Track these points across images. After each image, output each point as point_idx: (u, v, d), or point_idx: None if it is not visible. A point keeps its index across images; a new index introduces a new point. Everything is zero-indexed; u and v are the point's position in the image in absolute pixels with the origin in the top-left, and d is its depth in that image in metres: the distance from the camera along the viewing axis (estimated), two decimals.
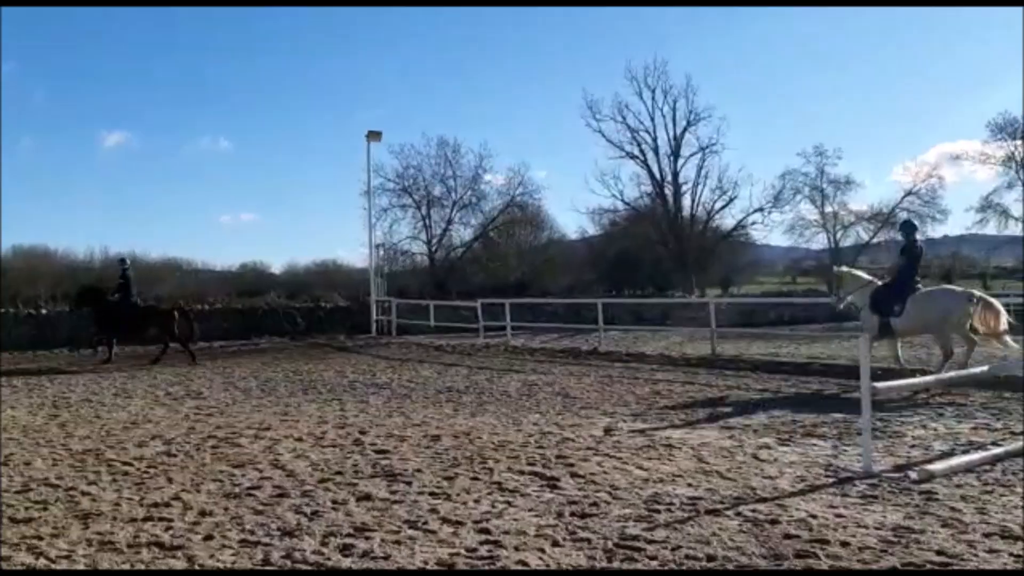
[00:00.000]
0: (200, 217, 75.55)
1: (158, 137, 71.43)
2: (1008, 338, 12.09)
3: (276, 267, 57.01)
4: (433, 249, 42.84)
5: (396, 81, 75.24)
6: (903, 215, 43.65)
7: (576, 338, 22.48)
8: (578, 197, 56.39)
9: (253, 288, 50.52)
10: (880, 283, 13.09)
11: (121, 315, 18.46)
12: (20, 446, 8.76)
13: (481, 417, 10.27)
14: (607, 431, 9.15)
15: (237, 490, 6.70)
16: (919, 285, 12.71)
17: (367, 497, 6.40)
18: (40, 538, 5.45)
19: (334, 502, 6.27)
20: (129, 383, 14.71)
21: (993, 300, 12.55)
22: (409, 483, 6.84)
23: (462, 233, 44.19)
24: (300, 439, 8.95)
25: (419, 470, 7.31)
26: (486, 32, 76.44)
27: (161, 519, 5.86)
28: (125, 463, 7.81)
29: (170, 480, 7.11)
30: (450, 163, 43.42)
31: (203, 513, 6.00)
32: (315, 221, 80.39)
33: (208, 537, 5.42)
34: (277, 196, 76.91)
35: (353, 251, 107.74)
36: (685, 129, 45.99)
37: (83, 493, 6.67)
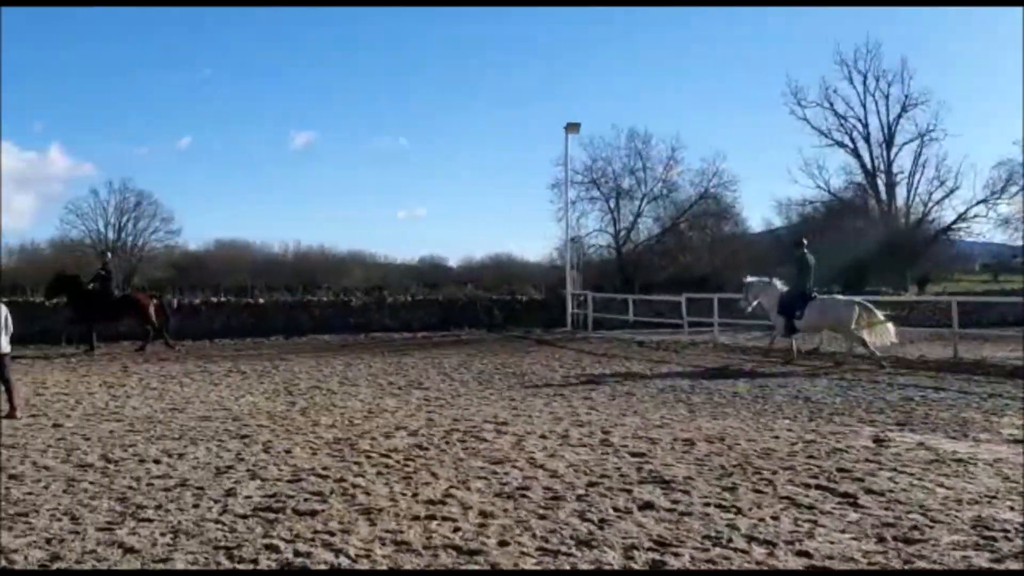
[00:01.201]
0: (379, 212, 78.64)
1: (341, 136, 74.95)
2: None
3: (452, 260, 58.38)
4: (620, 242, 42.21)
5: (577, 74, 74.99)
6: None
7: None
8: (764, 188, 54.06)
9: (431, 280, 51.93)
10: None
11: (99, 304, 19.12)
12: (274, 434, 8.93)
13: (724, 420, 9.64)
14: (877, 441, 8.31)
15: (507, 490, 6.43)
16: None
17: (649, 506, 5.95)
18: (331, 533, 5.34)
19: (615, 509, 5.87)
20: (349, 371, 15.05)
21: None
22: (686, 492, 6.34)
23: (649, 226, 43.35)
24: (544, 436, 8.65)
25: (690, 478, 6.80)
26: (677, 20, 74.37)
27: (444, 519, 5.64)
28: (382, 455, 7.75)
29: (435, 475, 6.94)
30: (640, 155, 42.63)
31: (484, 514, 5.74)
32: (487, 215, 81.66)
33: (503, 543, 5.12)
34: (449, 191, 78.68)
35: (525, 244, 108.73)
36: (900, 115, 43.05)
37: (354, 486, 6.59)
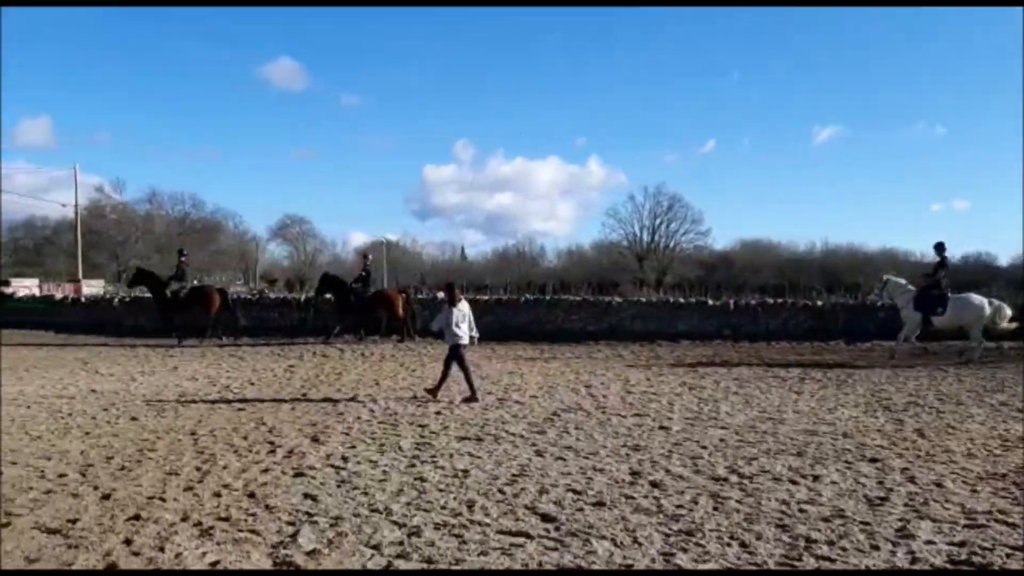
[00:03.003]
0: (910, 206, 71.91)
1: (870, 127, 70.10)
2: None
3: (1003, 259, 50.80)
4: None
5: None
6: None
7: None
8: None
9: (974, 280, 45.76)
10: None
11: (357, 301, 21.52)
12: (904, 459, 7.87)
13: None
14: None
15: None
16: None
17: None
18: None
19: None
20: (941, 385, 13.23)
21: None
22: None
23: None
24: None
25: None
26: None
27: None
28: None
29: None
30: None
31: None
32: None
33: None
34: (999, 181, 68.67)
35: None
36: None
37: None
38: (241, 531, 5.53)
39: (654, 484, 6.96)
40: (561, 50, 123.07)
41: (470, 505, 6.24)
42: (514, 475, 7.19)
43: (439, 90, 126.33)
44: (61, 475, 7.05)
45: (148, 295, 23.45)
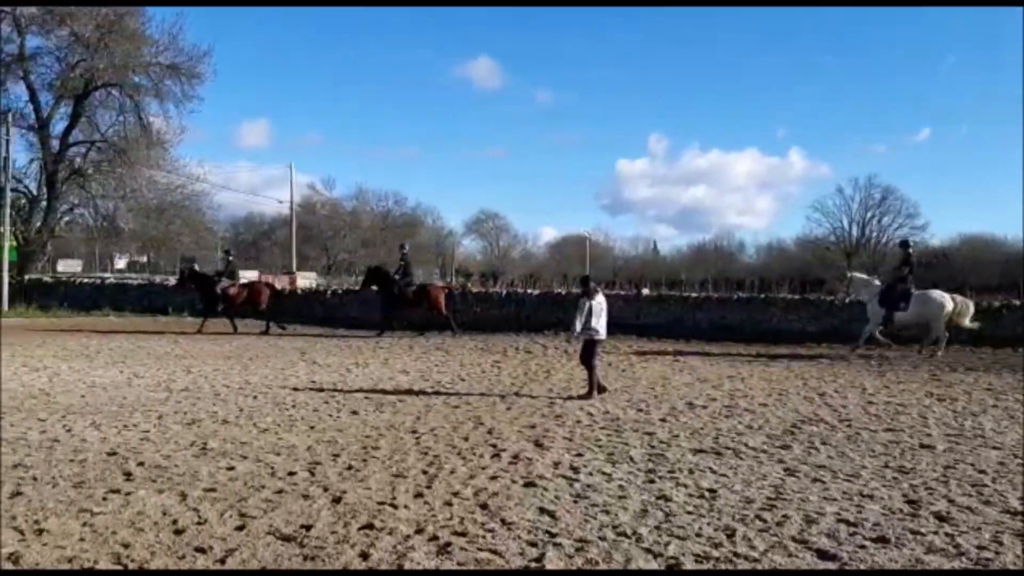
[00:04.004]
0: None
1: None
2: None
3: None
4: None
5: None
6: None
7: None
8: None
9: None
10: None
11: (400, 294, 21.48)
12: None
13: None
14: None
15: None
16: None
17: None
18: None
19: None
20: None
21: None
22: None
23: None
24: None
25: None
26: None
27: None
28: None
29: None
30: None
31: None
32: None
33: None
34: None
35: None
36: None
37: None
38: (481, 549, 5.03)
39: (940, 517, 5.88)
40: (760, 39, 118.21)
41: (729, 533, 5.44)
42: (769, 499, 6.31)
43: (633, 84, 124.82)
44: (290, 473, 6.89)
45: (360, 288, 24.38)
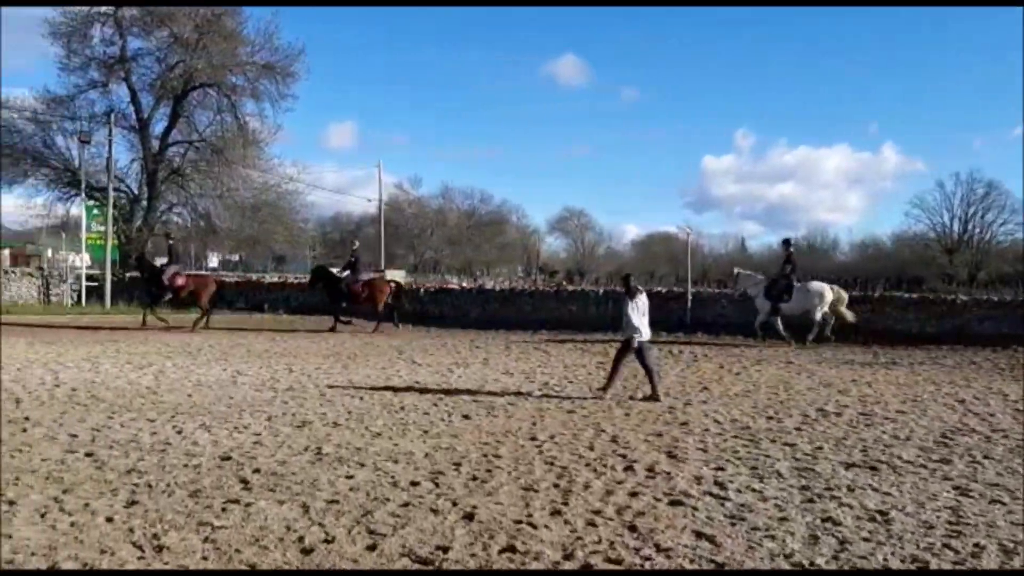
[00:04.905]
0: None
1: None
2: None
3: None
4: None
5: None
6: None
7: None
8: None
9: None
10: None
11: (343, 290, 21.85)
12: None
13: None
14: None
15: None
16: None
17: None
18: None
19: None
20: None
21: None
22: None
23: None
24: None
25: None
26: None
27: None
28: None
29: None
30: None
31: None
32: None
33: None
34: None
35: None
36: None
37: None
38: None
39: None
40: (850, 35, 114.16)
41: (921, 566, 4.75)
42: (950, 523, 5.57)
43: (721, 80, 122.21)
44: (414, 483, 6.44)
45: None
